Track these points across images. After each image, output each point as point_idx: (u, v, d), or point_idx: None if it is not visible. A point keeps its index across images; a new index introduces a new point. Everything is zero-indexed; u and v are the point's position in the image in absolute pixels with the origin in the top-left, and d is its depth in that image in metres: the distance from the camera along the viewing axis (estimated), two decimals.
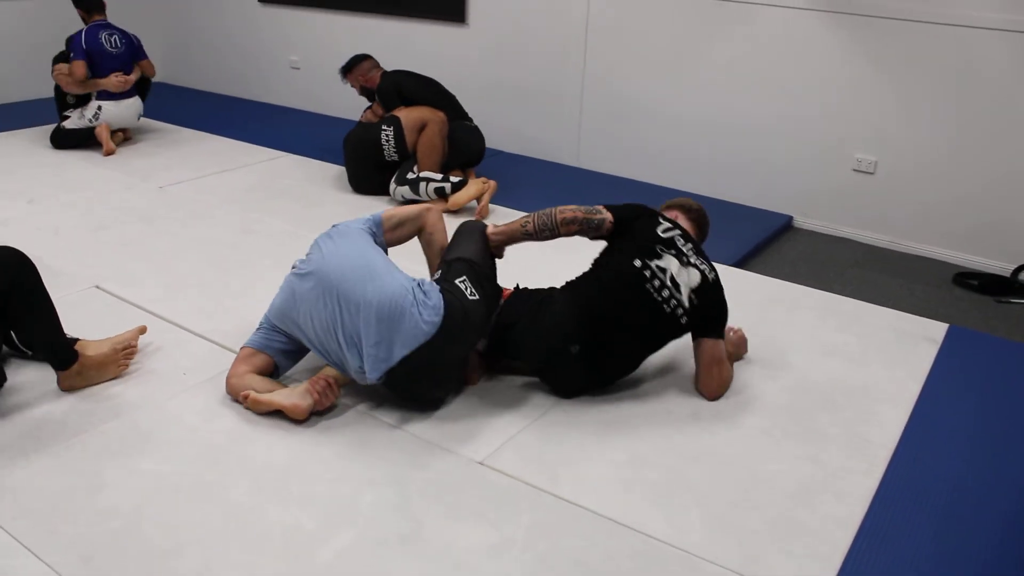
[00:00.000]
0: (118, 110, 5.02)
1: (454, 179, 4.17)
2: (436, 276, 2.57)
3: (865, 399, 2.73)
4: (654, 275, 2.53)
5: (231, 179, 4.63)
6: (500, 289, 2.65)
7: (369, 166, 4.36)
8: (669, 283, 2.53)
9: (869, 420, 2.61)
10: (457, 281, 2.47)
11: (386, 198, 4.32)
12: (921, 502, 2.25)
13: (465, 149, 4.48)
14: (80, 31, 4.96)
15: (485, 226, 2.69)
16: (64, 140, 5.02)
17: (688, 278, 2.57)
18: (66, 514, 2.06)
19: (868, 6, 3.98)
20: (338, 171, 4.70)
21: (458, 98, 4.69)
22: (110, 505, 2.09)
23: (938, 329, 3.25)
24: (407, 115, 4.29)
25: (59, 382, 2.56)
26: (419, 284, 2.44)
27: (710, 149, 4.59)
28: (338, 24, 5.88)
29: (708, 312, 2.61)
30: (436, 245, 2.74)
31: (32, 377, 2.62)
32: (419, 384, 2.48)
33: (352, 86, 4.81)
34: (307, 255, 2.56)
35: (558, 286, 2.67)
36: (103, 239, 3.74)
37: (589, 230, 2.62)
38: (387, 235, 2.68)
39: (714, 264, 2.71)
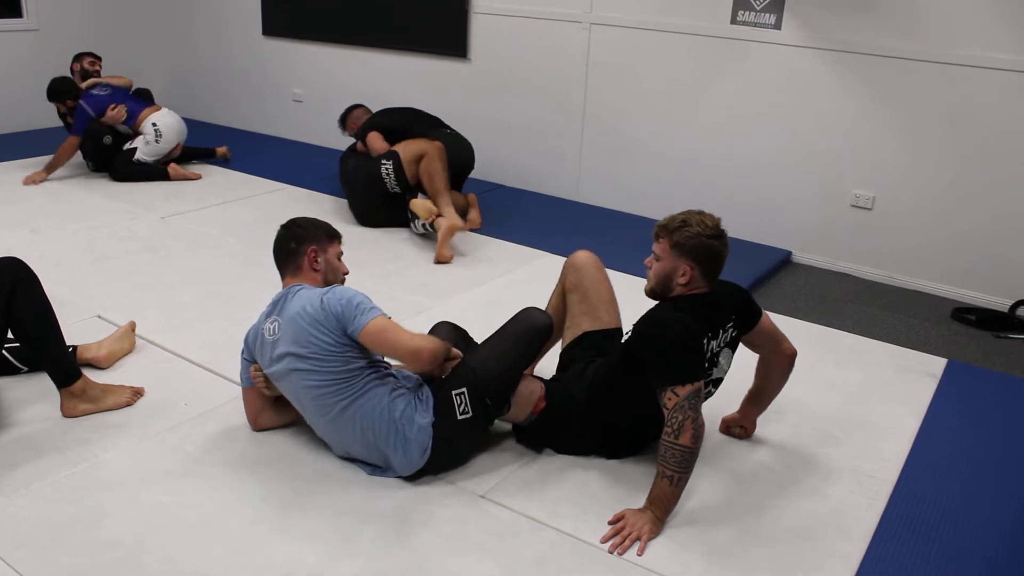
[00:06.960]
0: (171, 119, 5.13)
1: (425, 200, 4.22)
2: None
3: (866, 434, 2.73)
4: (710, 392, 2.43)
5: (233, 211, 4.65)
6: (507, 404, 2.40)
7: (374, 200, 4.44)
8: (715, 382, 2.44)
9: (870, 455, 2.61)
10: (455, 393, 2.31)
11: (393, 230, 4.40)
12: (922, 537, 2.25)
13: (453, 160, 4.51)
14: (79, 104, 4.92)
15: (546, 336, 2.48)
16: (136, 173, 5.02)
17: (726, 364, 2.44)
18: (66, 544, 2.05)
19: (867, 45, 4.03)
20: (339, 203, 4.73)
21: (460, 132, 4.75)
22: (111, 536, 2.08)
23: (937, 364, 3.27)
24: (405, 149, 4.36)
25: (62, 407, 2.56)
26: (402, 414, 2.29)
27: (709, 184, 4.62)
28: (341, 57, 5.94)
29: (746, 325, 2.45)
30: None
31: (33, 406, 2.62)
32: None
33: (349, 136, 4.94)
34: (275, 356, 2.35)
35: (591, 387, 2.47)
36: (105, 269, 3.75)
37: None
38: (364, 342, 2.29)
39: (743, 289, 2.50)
